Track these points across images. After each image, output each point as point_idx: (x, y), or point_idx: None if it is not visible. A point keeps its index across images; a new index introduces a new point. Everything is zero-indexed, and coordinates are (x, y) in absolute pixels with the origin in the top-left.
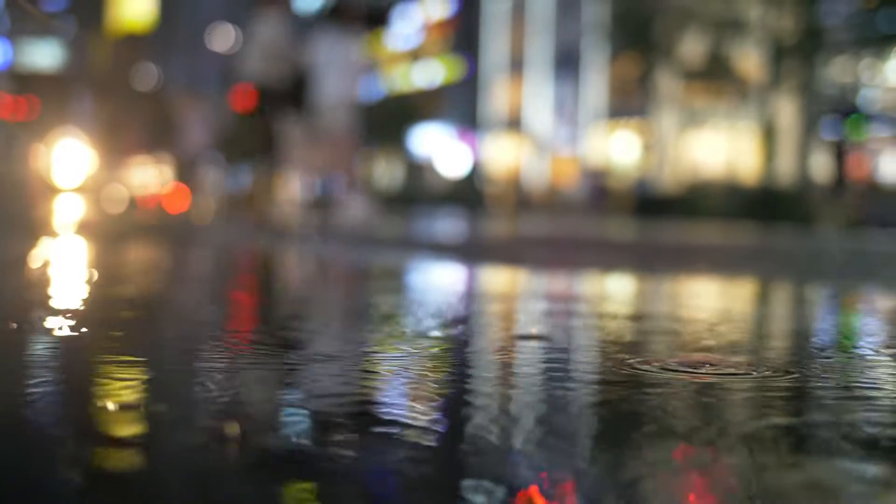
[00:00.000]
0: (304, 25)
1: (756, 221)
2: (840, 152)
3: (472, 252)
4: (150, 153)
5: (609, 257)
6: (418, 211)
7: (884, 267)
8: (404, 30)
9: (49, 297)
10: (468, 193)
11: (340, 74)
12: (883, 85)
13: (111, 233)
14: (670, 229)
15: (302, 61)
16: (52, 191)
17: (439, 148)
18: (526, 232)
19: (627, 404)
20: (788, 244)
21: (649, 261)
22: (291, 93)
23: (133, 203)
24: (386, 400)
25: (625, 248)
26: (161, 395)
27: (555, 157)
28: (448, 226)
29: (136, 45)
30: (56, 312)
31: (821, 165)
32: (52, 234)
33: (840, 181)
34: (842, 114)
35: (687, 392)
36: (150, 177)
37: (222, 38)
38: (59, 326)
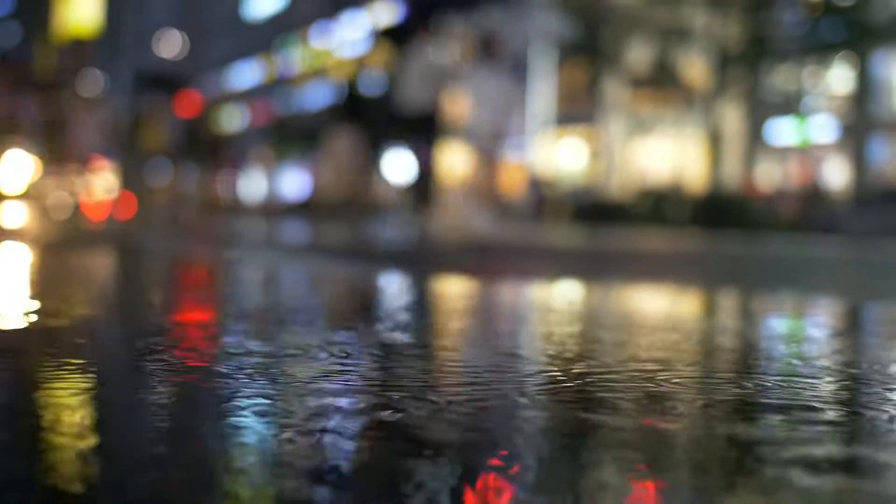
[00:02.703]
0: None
1: (703, 228)
2: None
3: (398, 260)
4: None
5: (540, 265)
6: (366, 218)
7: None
8: (352, 37)
9: None
10: (416, 200)
11: (491, 104)
12: (826, 92)
13: (55, 240)
14: (612, 236)
15: (453, 90)
16: None
17: (387, 154)
18: (471, 239)
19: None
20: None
21: (577, 269)
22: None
23: (78, 210)
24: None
25: (559, 255)
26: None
27: (502, 163)
28: (387, 233)
29: (82, 50)
30: None
31: (765, 172)
32: None
33: None
34: None
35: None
36: (95, 183)
37: (169, 43)
38: None
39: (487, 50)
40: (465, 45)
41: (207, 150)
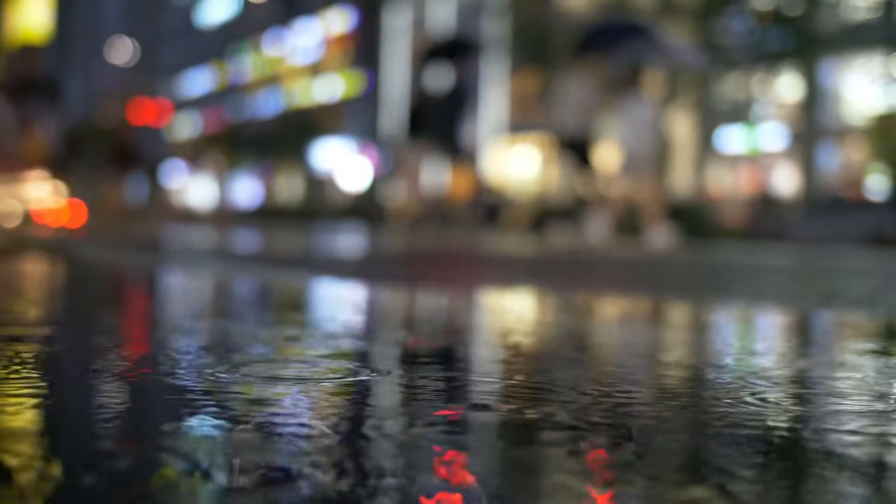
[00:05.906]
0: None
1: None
2: None
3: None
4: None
5: (476, 272)
6: (318, 226)
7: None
8: (304, 44)
9: None
10: (369, 208)
11: (639, 128)
12: (775, 100)
13: (3, 247)
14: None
15: (598, 118)
16: None
17: (340, 162)
18: (417, 247)
19: None
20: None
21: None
22: (586, 144)
23: (28, 218)
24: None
25: (509, 263)
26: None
27: (455, 171)
28: (331, 242)
29: (32, 56)
30: None
31: (716, 179)
32: None
33: None
34: None
35: None
36: (45, 191)
37: (121, 50)
38: None
39: (633, 81)
40: (614, 76)
41: (115, 156)
